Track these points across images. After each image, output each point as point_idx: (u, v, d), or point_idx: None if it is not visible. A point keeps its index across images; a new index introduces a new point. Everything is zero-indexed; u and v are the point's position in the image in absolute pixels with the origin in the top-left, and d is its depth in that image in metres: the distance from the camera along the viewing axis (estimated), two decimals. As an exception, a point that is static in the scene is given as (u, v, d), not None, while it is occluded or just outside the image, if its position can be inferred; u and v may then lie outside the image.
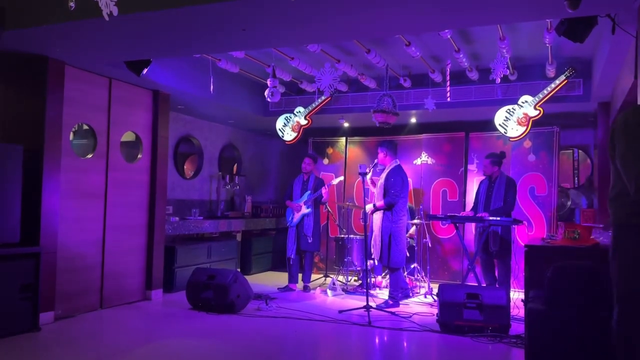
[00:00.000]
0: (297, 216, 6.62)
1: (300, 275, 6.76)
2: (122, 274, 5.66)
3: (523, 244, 5.58)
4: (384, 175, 5.85)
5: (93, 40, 4.29)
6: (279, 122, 7.13)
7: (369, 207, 5.78)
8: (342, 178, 6.95)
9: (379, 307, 5.54)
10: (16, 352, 3.93)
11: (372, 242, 5.79)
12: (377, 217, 5.78)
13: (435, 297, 5.60)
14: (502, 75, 5.41)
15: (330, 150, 8.50)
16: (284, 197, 7.01)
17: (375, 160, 5.92)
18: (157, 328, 4.77)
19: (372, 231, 5.86)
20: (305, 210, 6.61)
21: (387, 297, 5.84)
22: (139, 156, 5.97)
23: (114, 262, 5.54)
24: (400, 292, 5.77)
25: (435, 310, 5.24)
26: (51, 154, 4.79)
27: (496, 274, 5.99)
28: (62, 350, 4.04)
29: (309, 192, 6.65)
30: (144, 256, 5.97)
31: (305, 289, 6.64)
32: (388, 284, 5.94)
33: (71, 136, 5.35)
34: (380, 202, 5.74)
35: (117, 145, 5.66)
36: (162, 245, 6.15)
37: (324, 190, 6.58)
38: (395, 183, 5.71)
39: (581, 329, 2.66)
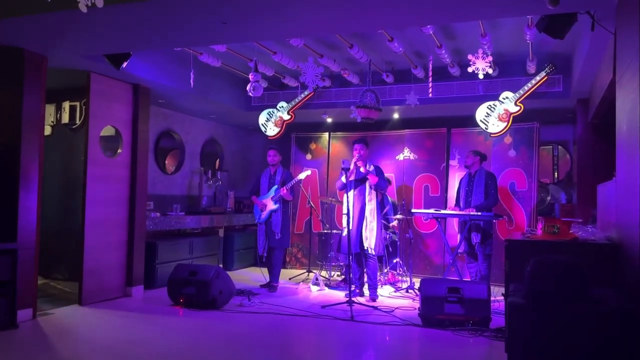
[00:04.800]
0: (265, 212, 6.41)
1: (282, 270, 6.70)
2: (102, 270, 5.59)
3: (503, 238, 5.64)
4: (371, 167, 5.87)
5: (71, 32, 4.21)
6: (262, 117, 7.09)
7: (363, 169, 5.75)
8: (309, 172, 6.67)
9: (368, 300, 5.60)
10: (-8, 351, 3.86)
11: (366, 234, 5.74)
12: (372, 209, 5.79)
13: (417, 292, 5.64)
14: (483, 71, 5.44)
15: (313, 146, 8.48)
16: (249, 191, 6.78)
17: (358, 156, 5.83)
18: (138, 325, 4.72)
19: (359, 223, 5.77)
20: (272, 206, 6.37)
21: (368, 292, 5.87)
22: (119, 151, 5.88)
23: (93, 258, 5.46)
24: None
25: (417, 305, 5.28)
26: (29, 149, 4.69)
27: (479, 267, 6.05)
28: (39, 348, 3.98)
29: (276, 186, 6.43)
30: (125, 252, 5.89)
31: (272, 288, 6.33)
32: (367, 276, 5.93)
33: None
34: (371, 167, 5.82)
35: (97, 139, 5.57)
36: (143, 241, 6.08)
37: (282, 192, 6.31)
38: (382, 172, 5.96)
39: (561, 321, 2.69)
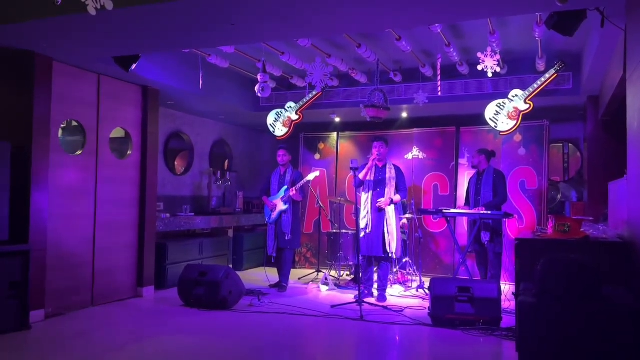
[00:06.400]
0: (274, 213, 6.39)
1: (291, 271, 6.70)
2: (113, 271, 5.63)
3: (514, 237, 5.62)
4: (391, 170, 5.86)
5: (80, 35, 4.24)
6: (270, 118, 7.11)
7: (384, 201, 5.70)
8: (317, 173, 6.64)
9: (377, 302, 5.59)
10: (5, 351, 3.90)
11: (388, 236, 5.68)
12: (391, 211, 5.77)
13: (427, 291, 5.63)
14: (492, 69, 5.41)
15: (321, 146, 8.49)
16: (260, 191, 6.78)
17: (376, 154, 5.78)
18: (149, 325, 4.74)
19: (379, 225, 5.71)
20: (282, 206, 6.34)
21: (376, 293, 5.87)
22: (129, 152, 5.93)
23: (104, 259, 5.51)
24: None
25: (426, 304, 5.26)
26: (40, 151, 4.74)
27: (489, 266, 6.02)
28: (52, 349, 4.01)
29: (286, 187, 6.41)
30: (135, 253, 5.94)
31: (281, 288, 6.33)
32: (378, 277, 5.92)
33: (60, 133, 5.30)
34: (398, 197, 5.80)
35: (107, 141, 5.62)
36: (153, 242, 6.12)
37: (292, 192, 6.29)
38: (403, 179, 5.95)
39: (572, 321, 2.68)
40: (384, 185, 5.79)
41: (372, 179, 5.83)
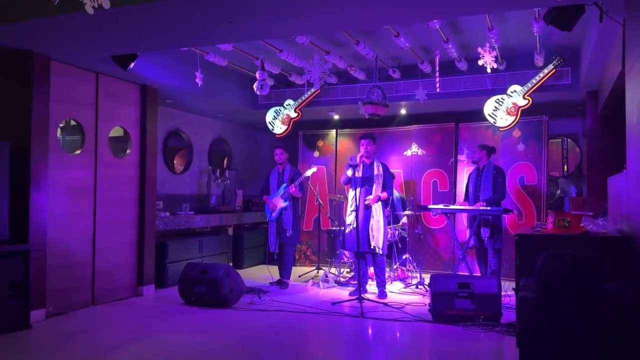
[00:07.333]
0: (275, 211, 6.43)
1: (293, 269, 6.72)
2: (113, 270, 5.63)
3: (513, 233, 5.62)
4: (379, 167, 5.87)
5: (78, 34, 4.23)
6: (269, 115, 7.10)
7: (372, 198, 5.73)
8: (315, 169, 6.69)
9: (378, 298, 5.62)
10: (6, 351, 3.90)
11: (373, 233, 5.72)
12: (378, 207, 5.81)
13: (427, 287, 5.64)
14: (490, 65, 5.41)
15: (320, 143, 8.48)
16: (260, 190, 6.81)
17: (363, 151, 5.84)
18: (150, 324, 4.75)
19: (366, 221, 5.75)
20: (282, 204, 6.39)
21: (377, 289, 5.88)
22: (128, 151, 5.92)
23: (104, 258, 5.51)
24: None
25: (427, 300, 5.27)
26: (39, 151, 4.73)
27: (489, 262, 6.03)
28: (53, 348, 4.02)
29: (285, 184, 6.45)
30: (135, 252, 5.94)
31: (283, 285, 6.39)
32: (375, 274, 5.94)
33: (59, 132, 5.30)
34: (385, 194, 5.83)
35: (106, 140, 5.61)
36: (153, 241, 6.12)
37: (291, 189, 6.35)
38: (390, 177, 5.96)
39: (572, 315, 2.68)
40: (372, 182, 5.81)
41: (360, 175, 5.84)
